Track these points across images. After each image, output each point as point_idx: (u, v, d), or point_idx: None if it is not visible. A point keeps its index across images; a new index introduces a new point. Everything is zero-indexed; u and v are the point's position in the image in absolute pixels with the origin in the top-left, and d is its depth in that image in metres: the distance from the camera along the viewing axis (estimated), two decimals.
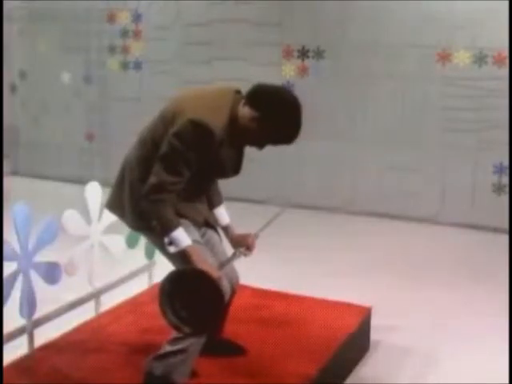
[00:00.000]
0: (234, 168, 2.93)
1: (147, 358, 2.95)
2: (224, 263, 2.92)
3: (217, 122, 2.72)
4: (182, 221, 2.82)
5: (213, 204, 3.10)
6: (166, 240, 2.76)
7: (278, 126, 2.80)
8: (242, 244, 3.06)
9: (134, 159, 2.91)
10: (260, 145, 2.90)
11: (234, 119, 2.79)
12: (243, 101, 2.83)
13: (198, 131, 2.69)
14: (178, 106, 2.83)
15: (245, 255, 3.05)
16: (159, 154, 2.76)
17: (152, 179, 2.74)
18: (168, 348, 2.84)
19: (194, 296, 2.67)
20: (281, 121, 2.79)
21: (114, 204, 3.02)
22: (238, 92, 2.89)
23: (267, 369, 3.15)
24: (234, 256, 3.01)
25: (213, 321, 2.71)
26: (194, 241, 2.81)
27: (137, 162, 2.89)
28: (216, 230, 3.13)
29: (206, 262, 2.76)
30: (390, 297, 4.77)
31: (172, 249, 2.76)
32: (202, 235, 3.01)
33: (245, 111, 2.80)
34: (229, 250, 3.10)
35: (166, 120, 2.83)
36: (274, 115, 2.78)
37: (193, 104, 2.79)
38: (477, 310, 4.63)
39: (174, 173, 2.73)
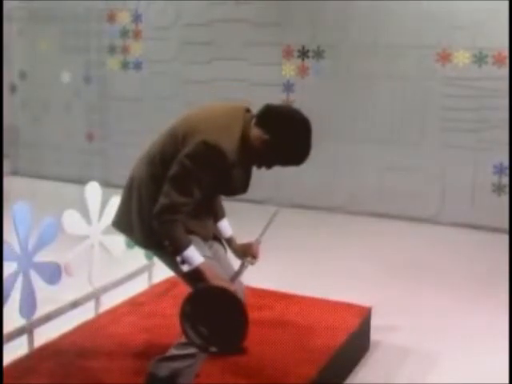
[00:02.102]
0: (243, 186, 2.92)
1: (148, 358, 2.95)
2: (235, 276, 2.92)
3: (229, 143, 2.71)
4: (192, 237, 2.81)
5: (216, 217, 3.10)
6: (179, 259, 2.75)
7: (287, 150, 2.80)
8: (247, 253, 3.06)
9: (143, 177, 2.88)
10: (269, 165, 2.89)
11: (245, 140, 2.78)
12: (253, 120, 2.82)
13: (211, 153, 2.67)
14: (189, 125, 2.80)
15: (252, 264, 3.06)
16: (170, 174, 2.74)
17: (163, 200, 2.72)
18: (175, 351, 2.82)
19: (216, 314, 2.65)
20: (290, 144, 2.79)
21: (122, 222, 2.99)
22: (247, 110, 2.89)
23: (267, 369, 3.15)
24: (243, 267, 3.01)
25: (241, 335, 2.66)
26: (205, 256, 2.81)
27: (146, 180, 2.86)
28: (221, 242, 3.13)
29: (219, 277, 2.76)
30: (390, 297, 4.77)
31: (185, 267, 2.75)
32: (209, 247, 3.00)
33: (255, 132, 2.79)
34: (232, 259, 3.11)
35: (176, 139, 2.80)
36: (284, 139, 2.77)
37: (205, 124, 2.76)
38: (476, 309, 4.63)
39: (185, 194, 2.71)
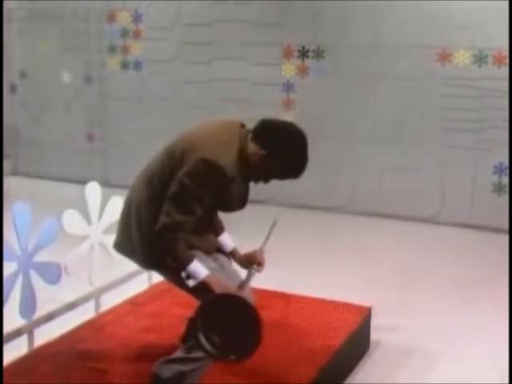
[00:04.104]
0: (242, 202, 2.93)
1: (148, 358, 2.95)
2: (243, 284, 2.93)
3: (227, 159, 2.72)
4: (194, 251, 2.82)
5: (216, 232, 3.10)
6: (184, 274, 2.76)
7: (285, 164, 2.82)
8: (252, 262, 3.06)
9: (142, 198, 2.87)
10: (266, 180, 2.90)
11: (242, 156, 2.79)
12: (250, 135, 2.84)
13: (210, 170, 2.68)
14: (186, 144, 2.81)
15: (258, 271, 3.07)
16: (170, 193, 2.74)
17: (164, 219, 2.73)
18: (182, 354, 2.81)
19: (228, 322, 2.66)
20: (288, 158, 2.81)
21: (123, 245, 2.99)
22: (242, 126, 2.90)
23: (267, 369, 3.15)
24: (250, 275, 3.01)
25: (256, 338, 2.65)
26: (209, 268, 2.81)
27: (145, 201, 2.86)
28: (225, 254, 3.14)
29: (226, 287, 2.77)
30: (390, 296, 4.77)
31: (191, 282, 2.76)
32: (215, 260, 3.01)
33: (252, 148, 2.80)
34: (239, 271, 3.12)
35: (174, 158, 2.81)
36: (281, 154, 2.79)
37: (203, 142, 2.77)
38: (476, 309, 4.62)
39: (186, 212, 2.72)
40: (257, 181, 2.92)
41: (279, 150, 2.79)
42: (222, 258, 3.09)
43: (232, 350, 2.67)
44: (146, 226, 2.82)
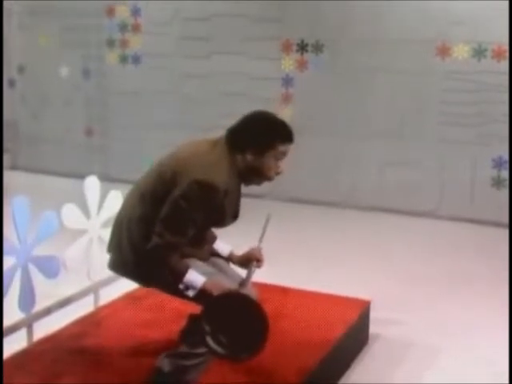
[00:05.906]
0: (234, 216, 2.92)
1: (147, 351, 2.94)
2: (244, 282, 2.93)
3: (220, 177, 2.71)
4: (188, 260, 2.81)
5: (209, 243, 3.09)
6: (182, 286, 2.74)
7: (268, 134, 2.81)
8: (251, 260, 3.07)
9: (135, 216, 2.86)
10: (274, 170, 2.88)
11: (234, 171, 2.79)
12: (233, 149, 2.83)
13: (204, 191, 2.67)
14: (177, 164, 2.80)
15: (258, 267, 3.08)
16: (163, 214, 2.72)
17: (156, 240, 2.71)
18: (185, 349, 2.81)
19: (234, 320, 2.65)
20: (265, 128, 2.82)
21: (117, 265, 2.98)
22: (226, 142, 2.89)
23: (266, 363, 3.15)
24: (250, 272, 3.02)
25: (264, 333, 2.65)
26: (207, 273, 2.81)
27: (137, 219, 2.85)
28: (222, 258, 3.13)
29: (226, 289, 2.76)
30: (389, 290, 4.77)
31: (190, 293, 2.75)
32: (213, 265, 3.00)
33: (240, 160, 2.80)
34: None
35: (164, 178, 2.80)
36: (261, 135, 2.80)
37: (194, 162, 2.75)
38: (476, 304, 4.63)
39: (179, 233, 2.72)
40: (262, 180, 2.90)
41: (257, 135, 2.80)
42: (219, 260, 3.08)
43: (241, 349, 2.66)
44: (138, 243, 2.81)
